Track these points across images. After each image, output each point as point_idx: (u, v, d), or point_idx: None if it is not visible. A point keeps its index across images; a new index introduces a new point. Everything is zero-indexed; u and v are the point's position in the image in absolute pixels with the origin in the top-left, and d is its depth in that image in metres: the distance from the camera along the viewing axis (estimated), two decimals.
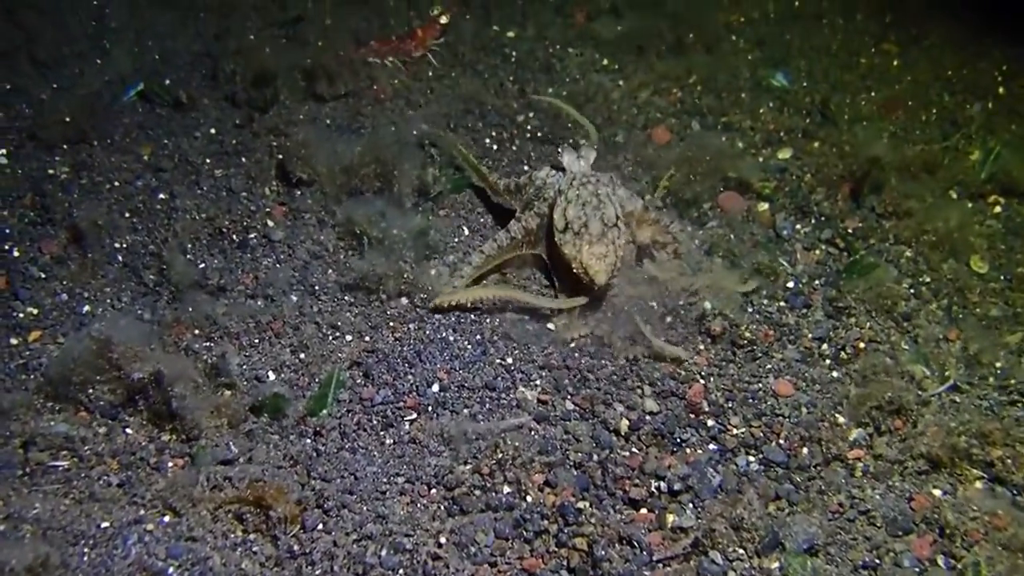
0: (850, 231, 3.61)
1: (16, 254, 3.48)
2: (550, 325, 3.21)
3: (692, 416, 2.83)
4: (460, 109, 4.38)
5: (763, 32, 4.91)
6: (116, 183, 3.89)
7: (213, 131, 4.27)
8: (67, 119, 4.13)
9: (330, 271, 3.43)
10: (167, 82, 4.63)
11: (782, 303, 3.30)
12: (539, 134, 4.26)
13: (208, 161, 4.01)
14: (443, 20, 4.97)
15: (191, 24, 5.10)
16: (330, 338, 3.15)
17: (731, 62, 4.68)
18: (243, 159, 4.03)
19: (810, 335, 3.15)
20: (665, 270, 3.32)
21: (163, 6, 5.20)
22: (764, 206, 3.73)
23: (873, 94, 4.36)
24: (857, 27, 4.90)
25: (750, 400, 2.87)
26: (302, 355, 3.07)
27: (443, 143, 4.05)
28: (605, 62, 4.71)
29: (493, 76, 4.65)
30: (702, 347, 3.10)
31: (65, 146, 4.12)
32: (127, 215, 3.71)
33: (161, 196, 3.78)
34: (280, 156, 3.96)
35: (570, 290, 3.29)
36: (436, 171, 3.90)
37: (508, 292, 3.24)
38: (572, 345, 3.11)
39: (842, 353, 3.09)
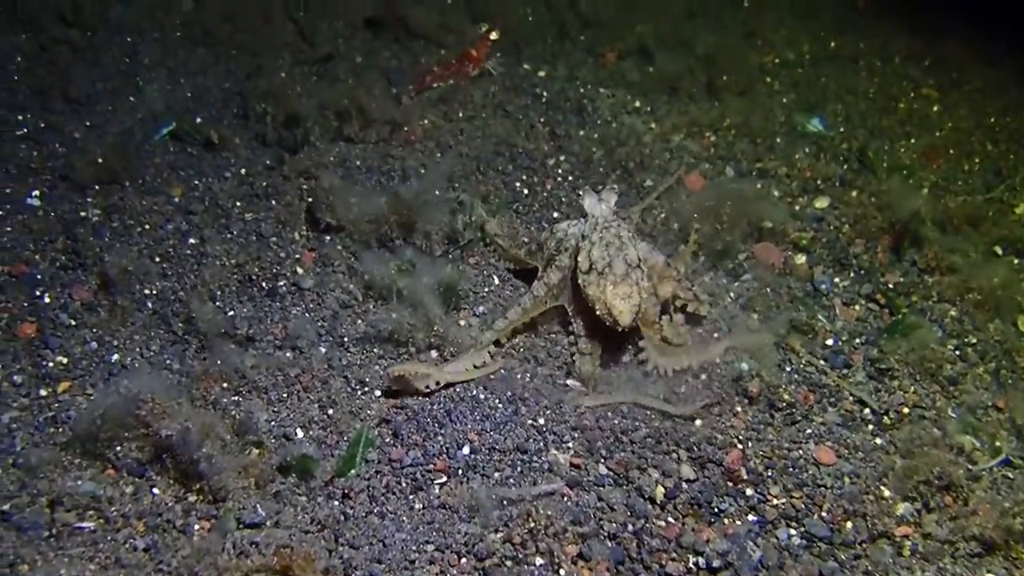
0: (891, 286, 3.51)
1: (47, 300, 3.48)
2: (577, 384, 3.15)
3: (730, 484, 2.74)
4: (490, 151, 4.35)
5: (797, 74, 4.85)
6: (147, 226, 3.88)
7: (243, 171, 4.27)
8: (99, 160, 4.15)
9: (359, 322, 3.39)
10: (198, 120, 4.66)
11: (822, 362, 3.21)
12: (570, 178, 4.21)
13: (238, 204, 4.00)
14: (492, 36, 4.99)
15: (223, 61, 5.13)
16: (359, 393, 3.10)
17: (765, 105, 4.61)
18: (273, 202, 4.01)
19: (851, 398, 3.05)
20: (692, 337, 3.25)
21: (195, 43, 5.25)
22: (801, 258, 3.64)
23: (912, 141, 4.27)
24: (895, 70, 4.83)
25: (790, 468, 2.78)
26: (330, 411, 3.02)
27: (471, 191, 4.02)
28: (637, 104, 4.66)
29: (524, 117, 4.61)
30: (739, 409, 3.02)
31: (97, 186, 4.13)
32: (157, 260, 3.70)
33: (191, 241, 3.77)
34: (310, 200, 3.95)
35: (591, 335, 3.22)
36: (466, 218, 3.86)
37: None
38: (584, 411, 3.03)
39: (885, 418, 2.99)
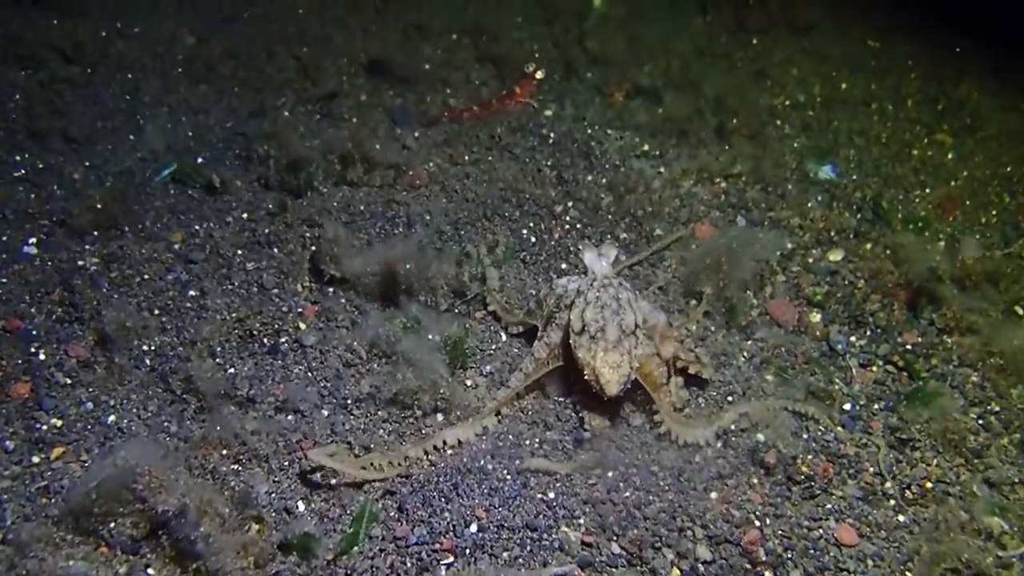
0: (909, 347, 3.41)
1: (42, 357, 3.37)
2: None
3: (748, 567, 2.63)
4: (497, 197, 4.26)
5: (808, 117, 4.76)
6: (146, 276, 3.78)
7: (246, 216, 4.17)
8: (98, 205, 4.05)
9: (363, 382, 3.28)
10: (200, 160, 4.57)
11: (840, 429, 3.10)
12: (579, 225, 4.12)
13: (239, 252, 3.90)
14: (538, 75, 4.94)
15: (225, 99, 5.05)
16: None
17: (776, 150, 4.53)
18: (275, 250, 3.91)
19: (871, 469, 2.95)
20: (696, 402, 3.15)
21: (197, 80, 5.16)
22: (816, 316, 3.54)
23: (927, 191, 4.19)
24: (908, 114, 4.75)
25: (811, 550, 2.67)
26: (333, 481, 2.91)
27: (477, 240, 3.93)
28: (645, 147, 4.57)
29: (531, 160, 4.53)
30: (755, 480, 2.91)
31: (96, 232, 4.02)
32: (156, 313, 3.60)
33: (191, 293, 3.67)
34: (313, 248, 3.86)
35: (582, 393, 3.12)
36: (472, 270, 3.76)
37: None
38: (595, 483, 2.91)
39: (908, 492, 2.89)
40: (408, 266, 3.59)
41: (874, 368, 3.35)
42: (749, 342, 3.47)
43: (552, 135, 4.71)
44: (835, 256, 3.84)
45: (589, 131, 4.75)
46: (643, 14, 5.60)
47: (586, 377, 3.00)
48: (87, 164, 4.56)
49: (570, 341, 3.04)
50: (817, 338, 3.47)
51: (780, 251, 3.57)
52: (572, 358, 3.09)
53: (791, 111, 4.80)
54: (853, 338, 3.48)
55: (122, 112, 4.92)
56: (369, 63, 5.24)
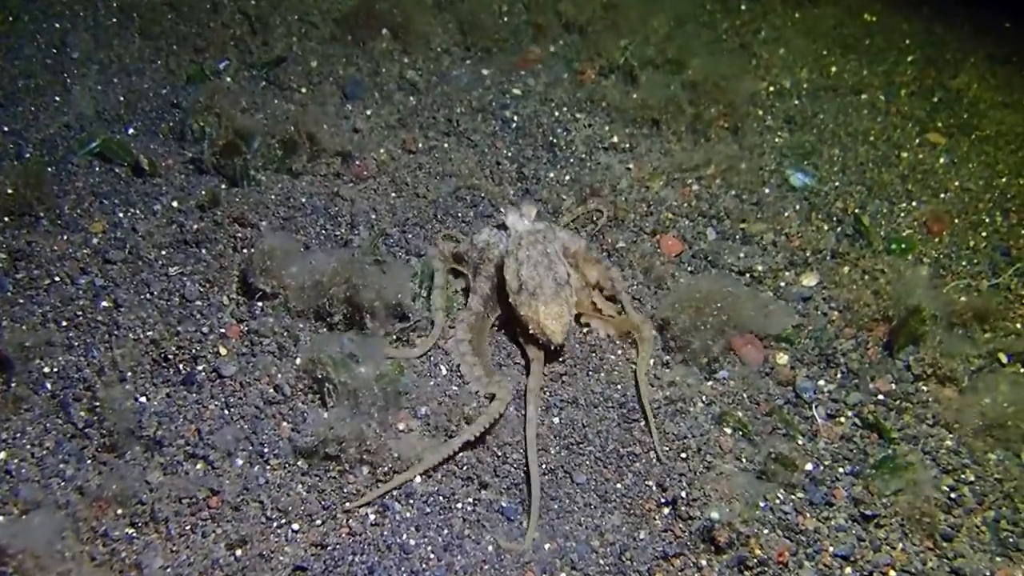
0: (881, 397, 2.94)
1: None
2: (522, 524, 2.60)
3: None
4: (450, 194, 3.67)
5: (793, 108, 4.12)
6: (57, 278, 3.20)
7: (175, 204, 3.55)
8: (9, 190, 3.43)
9: (284, 424, 2.79)
10: (131, 131, 3.92)
11: (800, 495, 2.67)
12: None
13: (163, 254, 3.31)
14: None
15: (162, 57, 4.32)
16: (275, 525, 2.53)
17: (756, 145, 3.91)
18: (203, 251, 3.33)
19: (831, 549, 2.53)
20: None
21: (133, 33, 4.42)
22: (784, 358, 3.04)
23: (914, 204, 3.62)
24: (900, 108, 4.11)
25: None
26: (239, 552, 2.46)
27: (425, 248, 3.38)
28: (615, 139, 3.94)
29: (490, 149, 3.90)
30: (703, 562, 2.50)
31: (7, 219, 3.42)
32: (63, 326, 3.04)
33: (104, 304, 3.10)
34: (244, 252, 3.29)
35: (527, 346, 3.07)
36: (417, 286, 3.23)
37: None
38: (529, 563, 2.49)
39: None
40: (345, 283, 3.06)
41: (842, 420, 2.89)
42: (710, 383, 3.00)
43: (516, 118, 4.06)
44: (809, 280, 3.32)
45: (556, 114, 4.10)
46: None
47: (531, 331, 3.00)
48: (6, 130, 3.90)
49: (511, 302, 3.03)
50: (783, 382, 2.99)
51: (759, 311, 3.03)
52: (513, 316, 3.08)
53: (775, 99, 4.14)
54: (822, 382, 3.00)
55: (47, 69, 4.20)
56: (322, 23, 4.51)
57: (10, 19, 4.35)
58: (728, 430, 2.82)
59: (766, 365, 3.05)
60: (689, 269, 3.37)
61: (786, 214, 3.58)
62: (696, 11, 4.73)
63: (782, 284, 3.32)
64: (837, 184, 3.71)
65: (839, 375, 3.02)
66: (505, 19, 4.64)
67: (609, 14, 4.48)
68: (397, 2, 4.43)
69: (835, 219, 3.57)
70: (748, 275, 3.33)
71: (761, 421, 2.87)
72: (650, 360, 3.05)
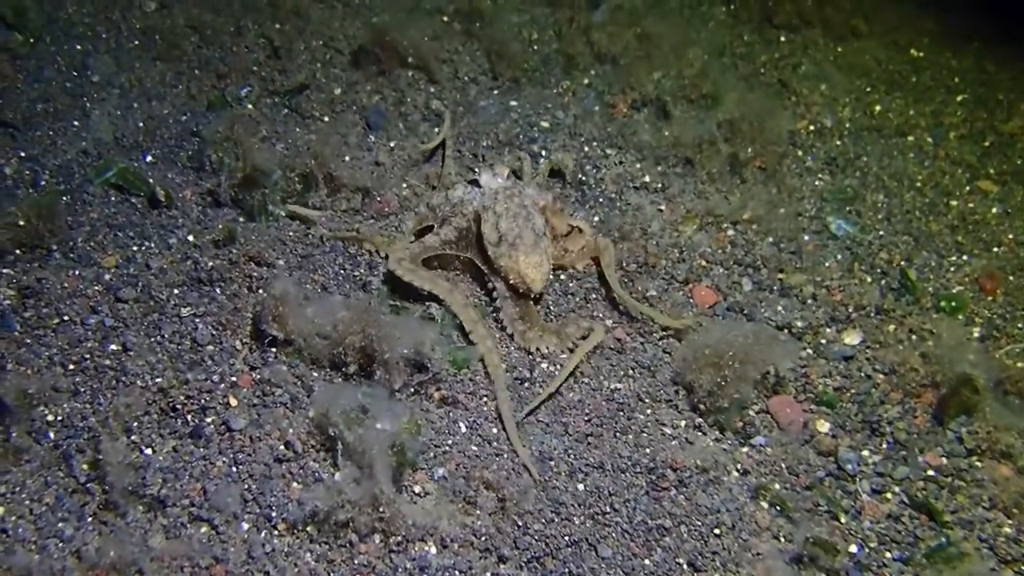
0: (932, 472, 2.74)
1: None
2: None
3: None
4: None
5: (835, 149, 3.92)
6: (66, 317, 3.08)
7: (191, 239, 3.43)
8: (21, 222, 3.33)
9: (294, 485, 2.64)
10: (148, 159, 3.81)
11: None
12: (562, 276, 3.38)
13: (175, 293, 3.19)
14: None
15: (183, 82, 4.21)
16: None
17: (794, 189, 3.71)
18: (217, 290, 3.20)
19: None
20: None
21: (154, 56, 4.32)
22: (824, 425, 2.85)
23: (964, 258, 3.40)
24: (949, 151, 3.89)
25: None
26: None
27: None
28: (647, 178, 3.76)
29: None
30: None
31: (18, 251, 3.31)
32: (70, 369, 2.92)
33: (112, 347, 2.98)
34: (259, 292, 3.16)
35: (515, 296, 3.19)
36: (437, 335, 3.06)
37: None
38: None
39: None
40: (361, 332, 2.91)
41: (888, 497, 2.69)
42: (744, 450, 2.81)
43: (543, 152, 3.90)
44: (851, 339, 3.12)
45: (586, 149, 3.93)
46: (660, 3, 4.65)
47: (512, 281, 3.14)
48: (22, 155, 3.81)
49: (490, 254, 3.16)
50: (824, 452, 2.80)
51: (794, 361, 2.84)
52: (493, 269, 3.20)
53: (815, 139, 3.94)
54: (866, 452, 2.80)
55: (67, 92, 4.11)
56: (347, 49, 4.37)
57: (31, 40, 4.26)
58: (765, 504, 2.63)
59: (805, 431, 2.85)
60: (724, 322, 3.19)
61: (827, 264, 3.38)
62: (733, 42, 4.54)
63: (823, 341, 3.12)
64: (881, 233, 3.50)
65: (885, 445, 2.82)
66: (535, 47, 4.49)
67: (642, 45, 4.30)
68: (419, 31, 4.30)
69: (879, 271, 3.36)
70: (787, 331, 3.14)
71: (801, 496, 2.67)
72: (615, 267, 3.26)
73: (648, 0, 4.78)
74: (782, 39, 4.60)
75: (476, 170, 3.41)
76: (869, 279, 3.33)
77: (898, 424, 2.85)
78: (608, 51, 4.38)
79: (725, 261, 3.40)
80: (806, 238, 3.50)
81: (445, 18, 4.57)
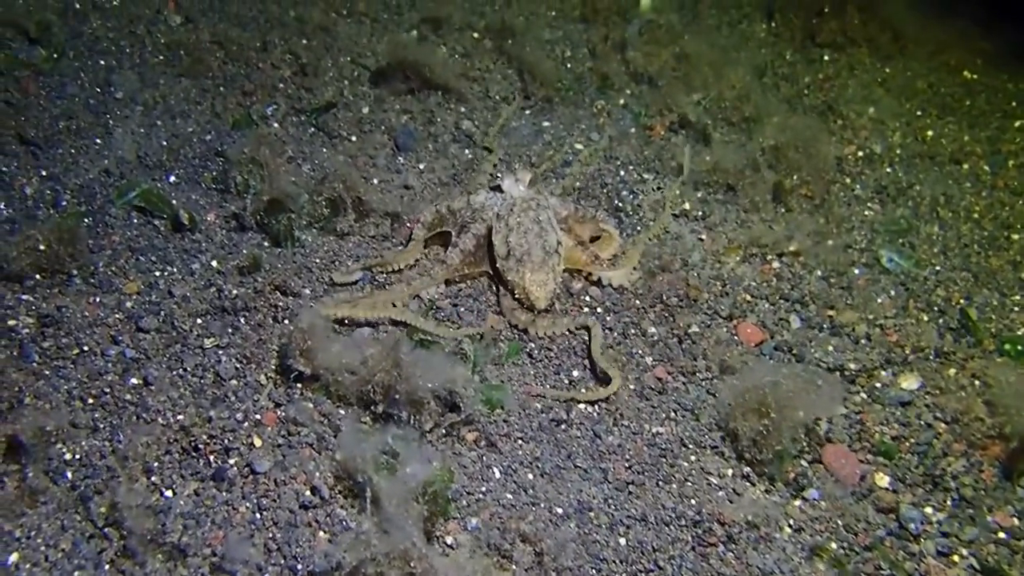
0: (1002, 535, 2.56)
1: None
2: None
3: None
4: None
5: (885, 177, 3.75)
6: (86, 347, 2.98)
7: (215, 264, 3.33)
8: (41, 247, 3.23)
9: (320, 534, 2.51)
10: (172, 179, 3.71)
11: None
12: (599, 309, 3.24)
13: (198, 323, 3.08)
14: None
15: (207, 99, 4.12)
16: None
17: (843, 219, 3.55)
18: (241, 320, 3.09)
19: None
20: None
21: (179, 72, 4.23)
22: (884, 479, 2.68)
23: None
24: (1007, 180, 3.71)
25: None
26: None
27: (476, 323, 3.09)
28: (686, 205, 3.62)
29: None
30: None
31: (39, 276, 3.22)
32: (89, 404, 2.82)
33: (133, 381, 2.87)
34: (283, 324, 3.04)
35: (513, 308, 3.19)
36: (470, 372, 2.93)
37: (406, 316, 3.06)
38: None
39: None
40: (390, 369, 2.78)
41: (956, 560, 2.52)
42: (797, 504, 2.65)
43: (578, 180, 3.77)
44: (909, 383, 2.95)
45: (622, 173, 3.79)
46: (697, 21, 4.50)
47: (516, 296, 3.14)
48: (43, 173, 3.73)
49: (498, 266, 3.16)
50: (884, 509, 2.63)
51: (847, 407, 2.69)
52: (500, 279, 3.21)
53: (864, 166, 3.77)
54: (929, 509, 2.63)
55: (90, 109, 4.02)
56: (375, 66, 4.26)
57: (55, 56, 4.19)
58: (821, 567, 2.47)
59: (863, 484, 2.69)
60: (772, 363, 3.03)
61: (879, 301, 3.21)
62: (774, 62, 4.38)
63: (878, 385, 2.95)
64: (938, 268, 3.33)
65: (949, 502, 2.64)
66: (568, 65, 4.36)
67: (681, 65, 4.15)
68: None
69: (937, 310, 3.19)
70: (839, 373, 2.97)
71: (860, 556, 2.50)
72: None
73: (685, 17, 4.66)
74: (825, 58, 4.44)
75: (499, 175, 3.37)
76: (926, 318, 3.16)
77: (963, 479, 2.68)
78: (644, 70, 4.25)
79: (771, 296, 3.24)
80: (856, 272, 3.33)
81: (476, 34, 4.46)
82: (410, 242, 3.35)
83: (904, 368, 2.99)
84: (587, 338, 3.08)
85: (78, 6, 4.48)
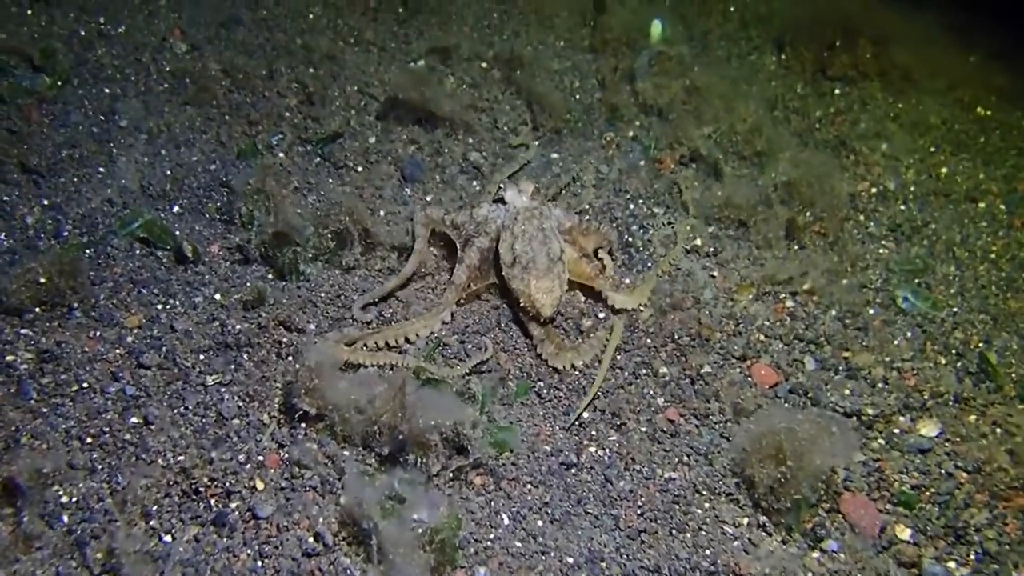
0: None
1: None
2: None
3: None
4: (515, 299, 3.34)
5: (899, 214, 3.72)
6: (85, 384, 2.93)
7: (218, 297, 3.29)
8: (42, 280, 3.19)
9: None
10: (175, 209, 3.68)
11: None
12: (619, 355, 3.20)
13: (200, 359, 3.03)
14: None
15: (212, 128, 4.09)
16: None
17: (858, 257, 3.51)
18: (244, 356, 3.04)
19: None
20: None
21: (184, 100, 4.20)
22: (904, 531, 2.62)
23: None
24: None
25: None
26: None
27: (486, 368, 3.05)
28: (698, 241, 3.58)
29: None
30: None
31: (38, 310, 3.18)
32: (87, 444, 2.76)
33: (133, 420, 2.81)
34: (287, 360, 2.99)
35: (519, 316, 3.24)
36: (478, 413, 2.88)
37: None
38: None
39: None
40: (396, 410, 2.72)
41: None
42: (816, 555, 2.58)
43: (588, 210, 3.74)
44: (928, 429, 2.89)
45: (631, 207, 3.76)
46: (707, 52, 4.50)
47: (522, 304, 3.15)
48: (45, 203, 3.69)
49: (504, 275, 3.18)
50: (906, 563, 2.56)
51: (865, 453, 2.64)
52: (506, 288, 3.23)
53: (877, 203, 3.74)
54: (952, 564, 2.56)
55: (93, 138, 4.00)
56: (382, 95, 4.24)
57: (59, 83, 4.17)
58: None
59: (883, 537, 2.62)
60: (787, 406, 2.98)
61: (896, 343, 3.16)
62: (785, 95, 4.36)
63: (896, 431, 2.89)
64: (955, 310, 3.29)
65: (973, 556, 2.58)
66: (577, 96, 4.35)
67: (691, 97, 4.14)
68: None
69: (955, 353, 3.14)
70: (856, 418, 2.92)
71: None
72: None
73: (694, 48, 4.65)
74: (836, 92, 4.43)
75: (501, 186, 3.39)
76: (944, 361, 3.11)
77: (987, 532, 2.61)
78: (654, 102, 4.22)
79: (785, 336, 3.20)
80: (872, 312, 3.29)
81: (484, 64, 4.45)
82: (415, 240, 3.37)
83: (923, 414, 2.93)
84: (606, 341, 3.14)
85: (83, 33, 4.48)
